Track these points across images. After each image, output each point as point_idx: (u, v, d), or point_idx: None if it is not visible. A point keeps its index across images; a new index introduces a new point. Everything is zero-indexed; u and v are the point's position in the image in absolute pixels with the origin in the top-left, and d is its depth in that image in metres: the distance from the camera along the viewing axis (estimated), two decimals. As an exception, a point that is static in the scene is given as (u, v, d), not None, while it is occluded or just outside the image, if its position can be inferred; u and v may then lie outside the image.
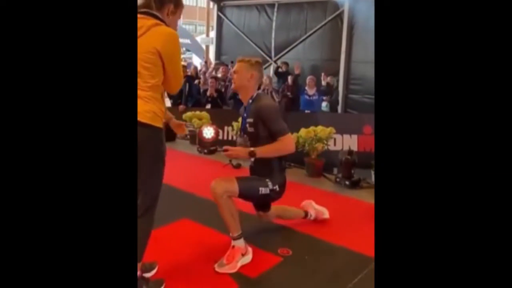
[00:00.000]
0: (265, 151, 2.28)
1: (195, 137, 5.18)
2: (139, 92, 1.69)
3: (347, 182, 3.73)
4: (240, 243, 2.32)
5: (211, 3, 11.45)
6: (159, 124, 1.81)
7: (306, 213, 2.88)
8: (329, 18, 8.88)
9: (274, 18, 9.61)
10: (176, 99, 7.02)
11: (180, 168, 4.34)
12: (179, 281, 2.15)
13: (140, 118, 1.69)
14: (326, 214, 2.95)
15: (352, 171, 3.73)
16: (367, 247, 2.43)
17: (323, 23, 8.96)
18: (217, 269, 2.22)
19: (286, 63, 8.50)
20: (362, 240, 2.58)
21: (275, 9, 9.58)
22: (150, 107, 1.75)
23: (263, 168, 2.40)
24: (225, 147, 2.31)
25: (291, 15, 9.46)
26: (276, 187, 2.38)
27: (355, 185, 3.72)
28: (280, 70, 8.39)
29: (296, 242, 2.60)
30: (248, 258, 2.32)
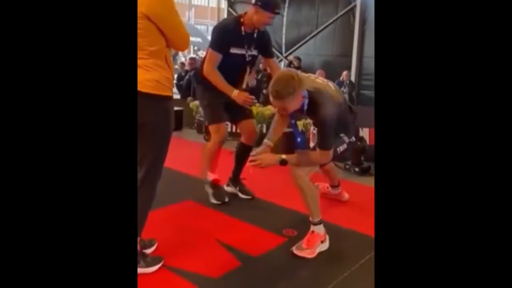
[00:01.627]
0: (297, 161, 2.11)
1: (201, 126, 5.11)
2: (138, 61, 1.60)
3: (356, 169, 3.62)
4: (320, 229, 2.18)
5: (222, 1, 11.42)
6: (164, 92, 1.71)
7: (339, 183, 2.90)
8: (341, 13, 8.75)
9: (285, 14, 9.49)
10: (185, 92, 6.99)
11: (186, 155, 4.27)
12: (180, 258, 2.07)
13: (140, 87, 1.59)
14: (346, 196, 2.98)
15: (362, 158, 3.61)
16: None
17: (334, 18, 8.83)
18: (295, 251, 2.10)
19: (298, 58, 8.38)
20: (371, 224, 2.47)
21: (286, 5, 9.46)
22: (152, 75, 1.66)
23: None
24: (251, 158, 2.12)
25: (302, 11, 9.35)
26: (353, 139, 2.33)
27: (365, 172, 3.61)
28: (292, 65, 8.27)
29: (303, 224, 2.49)
30: (326, 245, 2.19)
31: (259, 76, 7.05)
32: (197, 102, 5.35)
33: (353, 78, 8.39)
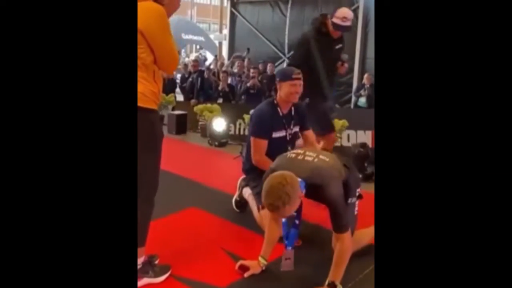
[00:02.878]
0: (340, 273, 1.88)
1: (205, 130, 5.13)
2: None
3: (360, 175, 3.63)
4: None
5: (225, 0, 11.43)
6: (149, 104, 1.72)
7: None
8: (344, 14, 8.75)
9: (288, 15, 9.50)
10: (188, 94, 7.03)
11: (190, 159, 4.31)
12: (185, 267, 2.10)
13: None
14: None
15: (365, 164, 3.63)
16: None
17: (337, 19, 8.83)
18: None
19: None
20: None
21: (289, 5, 9.47)
22: (137, 87, 1.62)
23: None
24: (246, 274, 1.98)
25: (305, 11, 9.33)
26: (358, 191, 2.17)
27: (368, 178, 3.62)
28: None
29: (308, 233, 2.51)
30: None
31: (260, 78, 7.08)
32: (201, 106, 5.39)
33: (355, 80, 8.39)
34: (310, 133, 2.83)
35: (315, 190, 1.83)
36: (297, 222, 1.97)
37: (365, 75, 7.45)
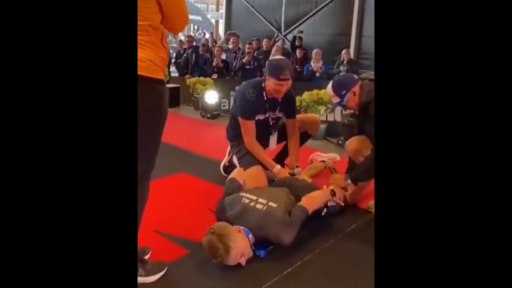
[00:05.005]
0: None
1: (198, 103, 5.14)
2: None
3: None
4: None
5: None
6: (158, 75, 1.48)
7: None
8: (341, -9, 8.67)
9: (285, -8, 9.43)
10: (183, 69, 7.01)
11: (182, 130, 4.33)
12: (172, 225, 2.15)
13: None
14: (337, 157, 3.23)
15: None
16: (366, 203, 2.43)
17: (334, -4, 8.76)
18: None
19: (300, 38, 8.32)
20: (364, 198, 2.53)
21: (286, -18, 9.39)
22: (145, 54, 1.42)
23: None
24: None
25: (302, -12, 9.27)
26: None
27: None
28: (297, 43, 8.20)
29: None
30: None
31: (256, 54, 7.05)
32: (194, 79, 5.38)
33: (352, 57, 8.35)
34: (292, 122, 2.77)
35: (266, 239, 1.90)
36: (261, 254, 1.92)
37: (343, 51, 7.39)
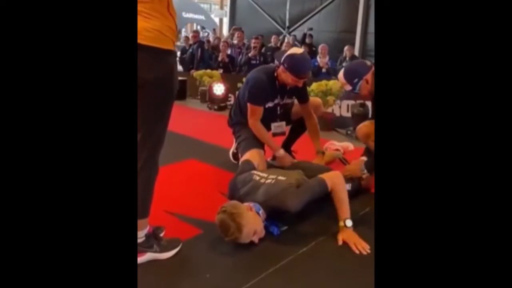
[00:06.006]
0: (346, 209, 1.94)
1: (205, 95, 5.13)
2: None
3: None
4: None
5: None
6: (167, 45, 1.40)
7: None
8: (346, -12, 8.67)
9: (289, -11, 9.43)
10: (188, 65, 7.00)
11: (190, 120, 4.34)
12: (184, 206, 2.14)
13: (139, 39, 1.28)
14: (350, 146, 3.27)
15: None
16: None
17: (339, -7, 8.76)
18: None
19: (311, 36, 8.28)
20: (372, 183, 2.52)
21: (291, -21, 9.40)
22: (152, 24, 1.35)
23: None
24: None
25: (306, -14, 9.27)
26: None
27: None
28: (307, 41, 8.15)
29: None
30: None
31: (264, 50, 7.03)
32: (201, 72, 5.38)
33: (357, 54, 8.32)
34: (306, 106, 2.78)
35: (275, 210, 1.88)
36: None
37: (346, 47, 7.33)
